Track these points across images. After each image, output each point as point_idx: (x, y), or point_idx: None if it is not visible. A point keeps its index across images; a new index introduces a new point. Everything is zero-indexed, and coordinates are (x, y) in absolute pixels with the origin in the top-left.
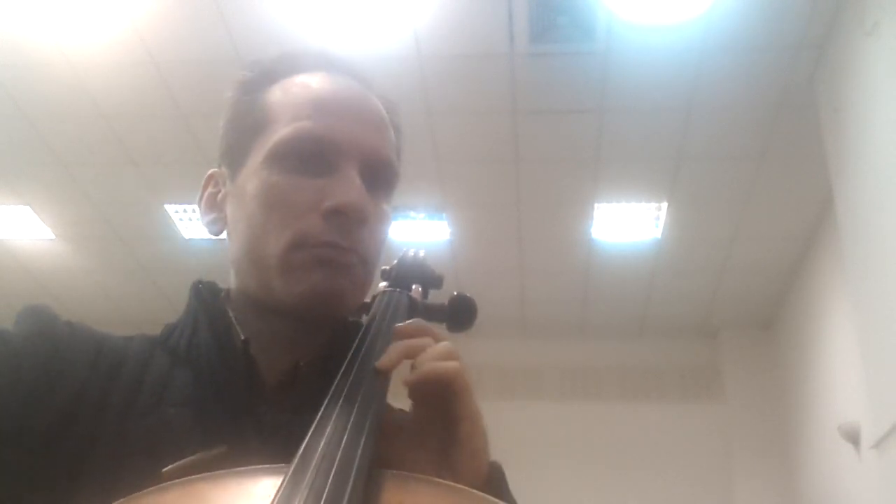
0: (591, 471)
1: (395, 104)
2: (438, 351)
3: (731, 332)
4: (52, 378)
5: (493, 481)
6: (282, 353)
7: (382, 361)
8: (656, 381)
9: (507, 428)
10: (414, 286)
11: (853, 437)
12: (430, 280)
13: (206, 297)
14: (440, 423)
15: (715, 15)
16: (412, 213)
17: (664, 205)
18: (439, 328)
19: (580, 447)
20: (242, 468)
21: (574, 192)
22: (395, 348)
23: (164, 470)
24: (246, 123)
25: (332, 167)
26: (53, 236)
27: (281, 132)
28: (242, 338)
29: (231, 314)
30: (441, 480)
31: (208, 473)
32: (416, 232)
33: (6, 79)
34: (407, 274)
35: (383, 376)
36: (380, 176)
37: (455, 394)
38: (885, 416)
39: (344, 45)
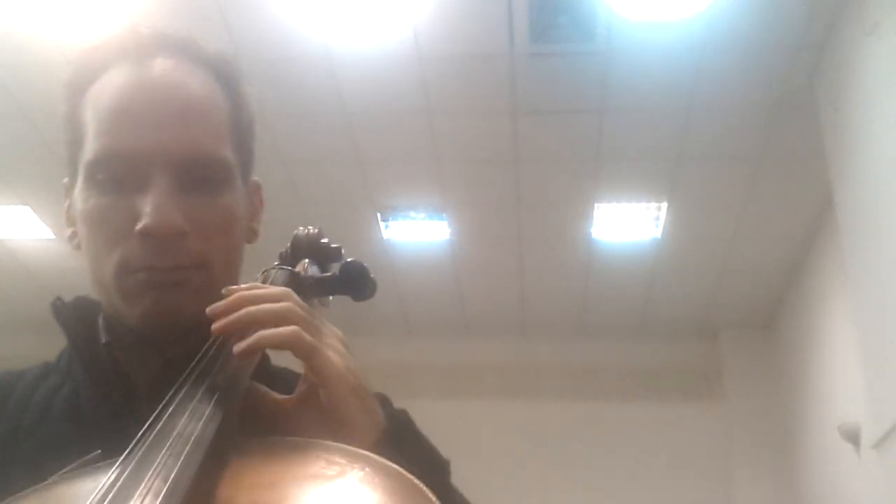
0: (590, 470)
1: (226, 59)
2: (270, 313)
3: (731, 332)
4: None
5: (395, 433)
6: (151, 350)
7: (237, 348)
8: (656, 381)
9: (507, 428)
10: (304, 261)
11: (853, 437)
12: (325, 253)
13: (63, 312)
14: (311, 390)
15: (715, 15)
16: (412, 213)
17: (664, 205)
18: (344, 300)
19: (580, 447)
20: (84, 468)
21: (574, 192)
22: (217, 325)
23: (42, 484)
24: (68, 137)
25: (143, 181)
26: (53, 236)
27: (88, 152)
28: (103, 341)
29: (101, 322)
30: (292, 438)
31: (58, 478)
32: (416, 232)
33: (6, 79)
34: (298, 251)
35: (221, 355)
36: (201, 174)
37: (304, 360)
38: (885, 416)
39: (344, 45)
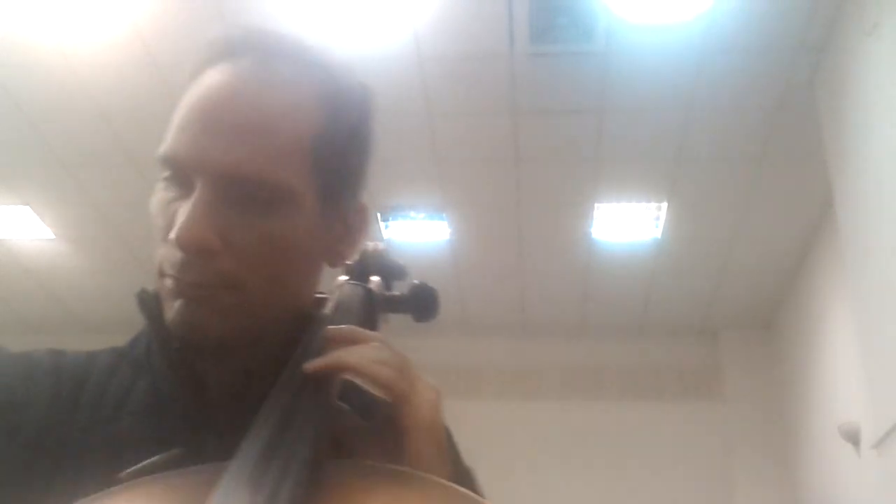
0: (590, 471)
1: (337, 68)
2: (375, 356)
3: (731, 332)
4: (17, 411)
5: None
6: (230, 357)
7: (310, 366)
8: (656, 380)
9: (507, 428)
10: (373, 278)
11: (853, 437)
12: (392, 271)
13: (149, 304)
14: (393, 430)
15: (715, 15)
16: (412, 213)
17: (664, 205)
18: (404, 319)
19: (580, 447)
20: (191, 468)
21: (574, 192)
22: (325, 359)
23: (120, 475)
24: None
25: (191, 188)
26: (53, 236)
27: (161, 148)
28: (176, 346)
29: None
30: (387, 465)
31: (155, 475)
32: (416, 232)
33: (6, 79)
34: (366, 266)
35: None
36: (246, 192)
37: (394, 402)
38: (885, 416)
39: (344, 45)
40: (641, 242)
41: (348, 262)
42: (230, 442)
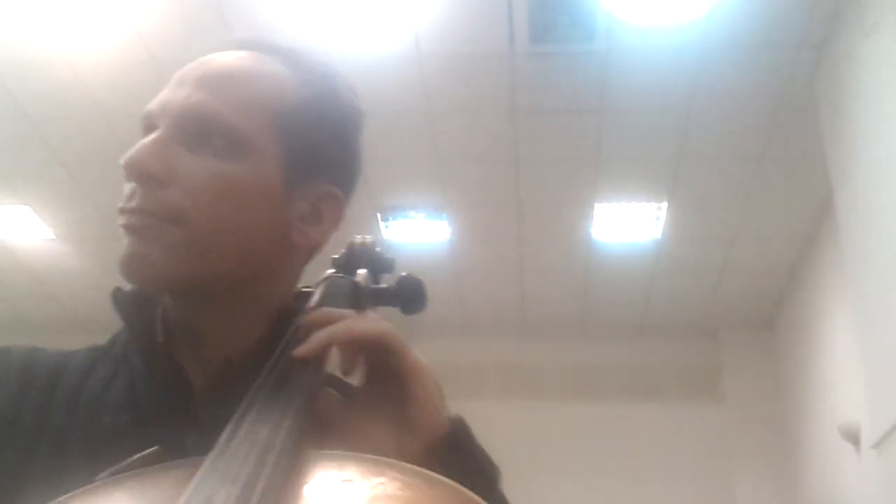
0: (590, 471)
1: (301, 51)
2: (361, 322)
3: (731, 332)
4: None
5: (456, 436)
6: (210, 349)
7: (300, 350)
8: (656, 381)
9: (507, 428)
10: (360, 271)
11: (853, 437)
12: (379, 264)
13: (123, 303)
14: (388, 388)
15: (715, 16)
16: (412, 213)
17: (664, 205)
18: (393, 312)
19: (580, 447)
20: (168, 463)
21: (574, 192)
22: (315, 336)
23: (99, 476)
24: None
25: (155, 130)
26: (53, 236)
27: None
28: (160, 340)
29: (160, 317)
30: (371, 456)
31: (130, 472)
32: (416, 232)
33: (7, 79)
34: (353, 259)
35: (305, 364)
36: (205, 133)
37: (391, 353)
38: (885, 416)
39: (344, 45)
40: (641, 242)
41: (336, 257)
42: (212, 437)
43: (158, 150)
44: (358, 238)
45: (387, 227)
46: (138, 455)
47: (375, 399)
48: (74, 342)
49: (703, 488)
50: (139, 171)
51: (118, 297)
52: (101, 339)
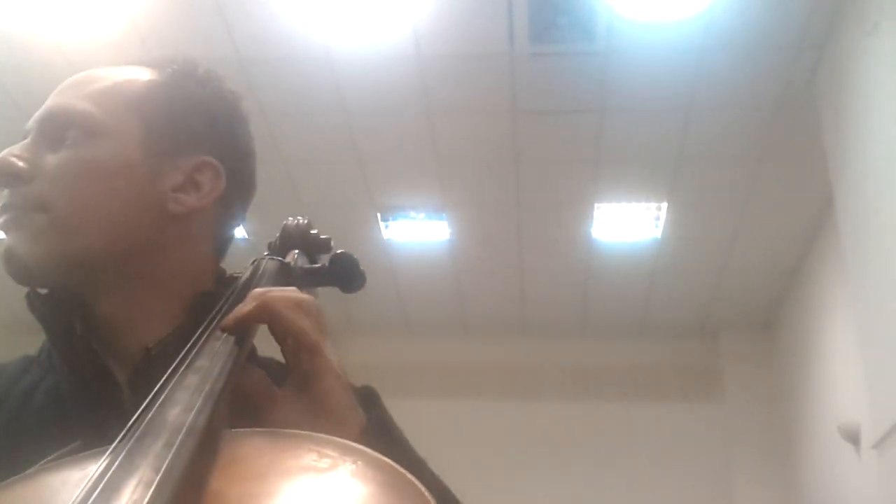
0: (590, 471)
1: (168, 56)
2: (289, 299)
3: (731, 332)
4: None
5: (372, 427)
6: (127, 339)
7: (226, 321)
8: (656, 381)
9: (507, 428)
10: (294, 252)
11: (853, 437)
12: (314, 244)
13: (37, 305)
14: (302, 381)
15: (715, 14)
16: (412, 213)
17: (664, 205)
18: (333, 291)
19: (580, 447)
20: (71, 457)
21: (574, 192)
22: (240, 307)
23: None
24: None
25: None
26: None
27: None
28: (79, 335)
29: (78, 312)
30: (283, 430)
31: (27, 472)
32: (416, 232)
33: (6, 79)
34: (287, 241)
35: (232, 340)
36: (60, 129)
37: (300, 350)
38: (885, 416)
39: (344, 45)
40: (641, 242)
41: (270, 242)
42: None
43: (21, 151)
44: (291, 220)
45: (387, 227)
46: (59, 452)
47: (298, 387)
48: None
49: (703, 488)
50: (4, 172)
51: (32, 299)
52: None
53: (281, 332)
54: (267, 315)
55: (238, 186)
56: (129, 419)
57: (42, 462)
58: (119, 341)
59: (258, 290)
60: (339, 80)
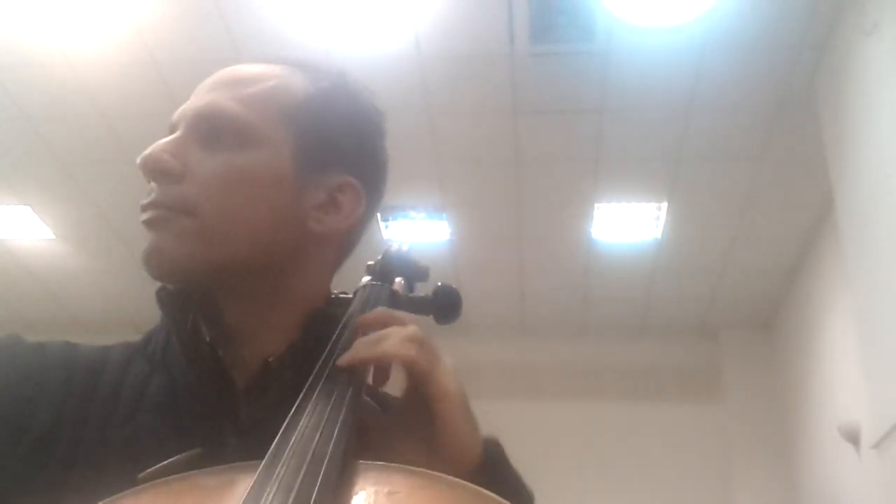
0: (590, 471)
1: (310, 58)
2: (399, 338)
3: (731, 332)
4: (27, 406)
5: (489, 462)
6: (247, 349)
7: (343, 358)
8: (656, 381)
9: (506, 428)
10: (397, 279)
11: (853, 437)
12: (415, 272)
13: (167, 302)
14: (422, 409)
15: (715, 15)
16: (412, 213)
17: (664, 205)
18: (427, 321)
19: (580, 447)
20: (216, 467)
21: (574, 192)
22: (356, 347)
23: (140, 475)
24: None
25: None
26: (53, 236)
27: None
28: (207, 339)
29: (203, 317)
30: (417, 469)
31: (181, 474)
32: (416, 232)
33: (6, 79)
34: (390, 267)
35: (351, 372)
36: (205, 126)
37: (420, 377)
38: (885, 416)
39: (344, 45)
40: (641, 242)
41: (371, 263)
42: (252, 440)
43: (172, 147)
44: (394, 245)
45: (387, 227)
46: (179, 456)
47: (411, 417)
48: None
49: (703, 488)
50: (153, 168)
51: (162, 296)
52: (100, 338)
53: (413, 379)
54: (409, 365)
55: (371, 208)
56: (246, 431)
57: (166, 463)
58: (239, 350)
59: (397, 329)
60: None
